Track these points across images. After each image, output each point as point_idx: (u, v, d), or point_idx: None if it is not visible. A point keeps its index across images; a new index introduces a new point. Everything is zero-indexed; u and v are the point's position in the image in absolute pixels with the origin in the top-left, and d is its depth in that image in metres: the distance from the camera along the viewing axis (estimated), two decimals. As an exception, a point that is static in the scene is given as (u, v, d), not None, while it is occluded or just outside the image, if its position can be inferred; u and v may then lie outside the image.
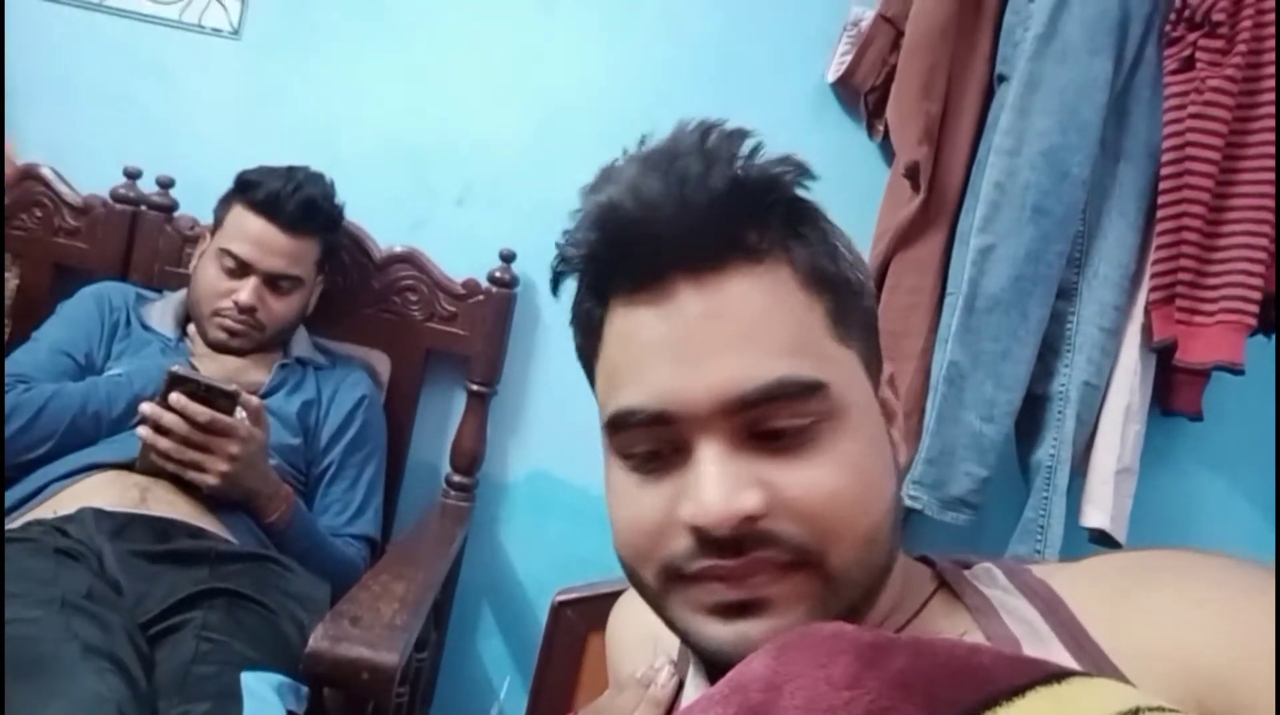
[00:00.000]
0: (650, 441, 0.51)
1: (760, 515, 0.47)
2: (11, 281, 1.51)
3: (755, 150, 0.50)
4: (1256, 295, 1.24)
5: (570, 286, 0.57)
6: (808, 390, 0.48)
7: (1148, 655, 0.43)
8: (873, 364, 0.54)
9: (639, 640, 0.68)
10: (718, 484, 0.47)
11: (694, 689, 0.59)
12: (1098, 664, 0.44)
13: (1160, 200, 1.29)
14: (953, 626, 0.52)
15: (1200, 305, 1.27)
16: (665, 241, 0.49)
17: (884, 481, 0.51)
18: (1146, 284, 1.32)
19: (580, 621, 1.01)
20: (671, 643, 0.64)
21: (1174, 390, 1.41)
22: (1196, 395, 1.41)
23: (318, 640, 0.87)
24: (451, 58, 1.62)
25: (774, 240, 0.50)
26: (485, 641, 1.65)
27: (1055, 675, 0.33)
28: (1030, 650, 0.47)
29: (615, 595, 1.02)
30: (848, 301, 0.53)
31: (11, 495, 1.16)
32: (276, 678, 0.95)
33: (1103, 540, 1.34)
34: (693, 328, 0.49)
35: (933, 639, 0.37)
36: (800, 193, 0.52)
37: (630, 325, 0.52)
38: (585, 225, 0.52)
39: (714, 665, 0.49)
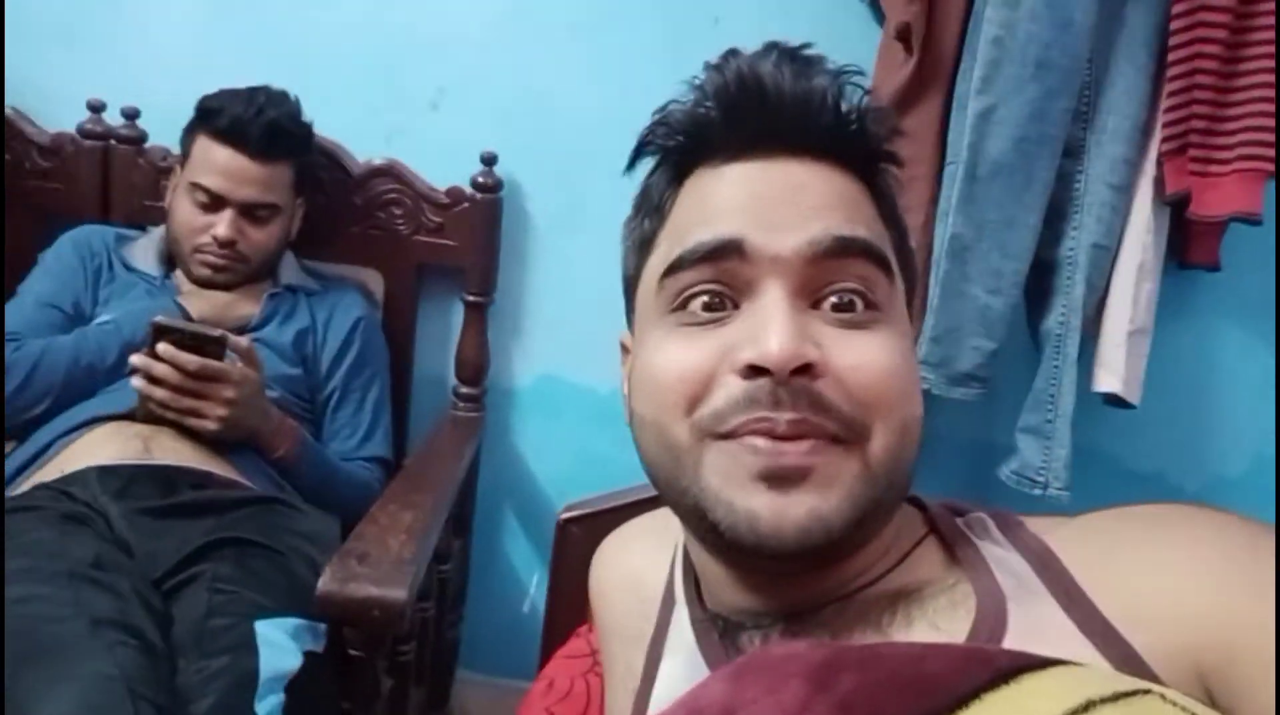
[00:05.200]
0: (714, 277, 0.51)
1: (819, 372, 0.47)
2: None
3: (865, 95, 0.54)
4: (1274, 138, 1.17)
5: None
6: (881, 264, 0.51)
7: (1142, 607, 0.44)
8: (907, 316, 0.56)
9: (621, 584, 0.68)
10: (787, 324, 0.47)
11: (684, 667, 0.56)
12: (1088, 617, 0.45)
13: (1171, 42, 1.19)
14: (941, 578, 0.51)
15: (1215, 153, 1.20)
16: (786, 120, 0.51)
17: (919, 393, 0.52)
18: (1159, 134, 1.25)
19: (585, 538, 1.02)
20: (654, 589, 0.64)
21: (1190, 242, 1.35)
22: (1214, 246, 1.35)
23: (326, 582, 0.89)
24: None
25: (868, 168, 0.54)
26: (511, 543, 1.69)
27: (1004, 676, 0.32)
28: (1019, 604, 0.47)
29: (620, 510, 1.02)
30: (905, 249, 0.56)
31: (18, 457, 1.17)
32: (292, 621, 0.97)
33: (1116, 403, 1.31)
34: (787, 190, 0.51)
35: (883, 650, 0.36)
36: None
37: (715, 183, 0.53)
38: (703, 94, 0.53)
39: (734, 547, 0.48)
